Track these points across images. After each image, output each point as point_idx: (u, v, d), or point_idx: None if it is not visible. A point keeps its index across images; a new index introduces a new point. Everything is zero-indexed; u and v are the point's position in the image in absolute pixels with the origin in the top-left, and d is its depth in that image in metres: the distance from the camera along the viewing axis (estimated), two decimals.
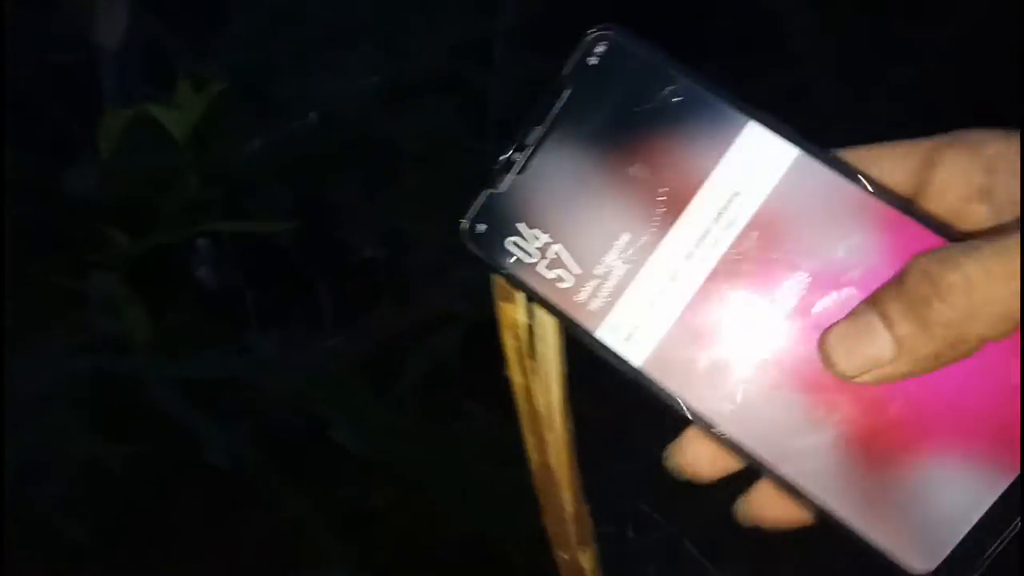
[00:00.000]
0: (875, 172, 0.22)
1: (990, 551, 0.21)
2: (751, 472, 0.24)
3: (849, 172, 0.22)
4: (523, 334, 0.28)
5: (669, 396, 0.24)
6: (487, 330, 0.30)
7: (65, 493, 0.79)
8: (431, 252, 1.32)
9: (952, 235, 0.21)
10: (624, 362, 0.25)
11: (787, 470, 0.23)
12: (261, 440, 0.84)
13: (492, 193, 0.26)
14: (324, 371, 1.05)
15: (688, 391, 0.24)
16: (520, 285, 0.26)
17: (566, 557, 0.31)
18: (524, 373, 0.29)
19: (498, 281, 0.28)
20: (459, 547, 0.79)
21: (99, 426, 0.67)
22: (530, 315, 0.29)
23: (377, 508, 0.79)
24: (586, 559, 0.32)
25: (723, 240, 0.24)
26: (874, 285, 0.21)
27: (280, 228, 0.80)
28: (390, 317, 1.12)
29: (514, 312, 0.28)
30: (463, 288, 1.22)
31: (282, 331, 1.22)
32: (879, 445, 0.22)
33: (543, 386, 0.29)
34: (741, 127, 0.23)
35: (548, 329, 0.29)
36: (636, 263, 0.24)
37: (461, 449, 0.82)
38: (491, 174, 0.26)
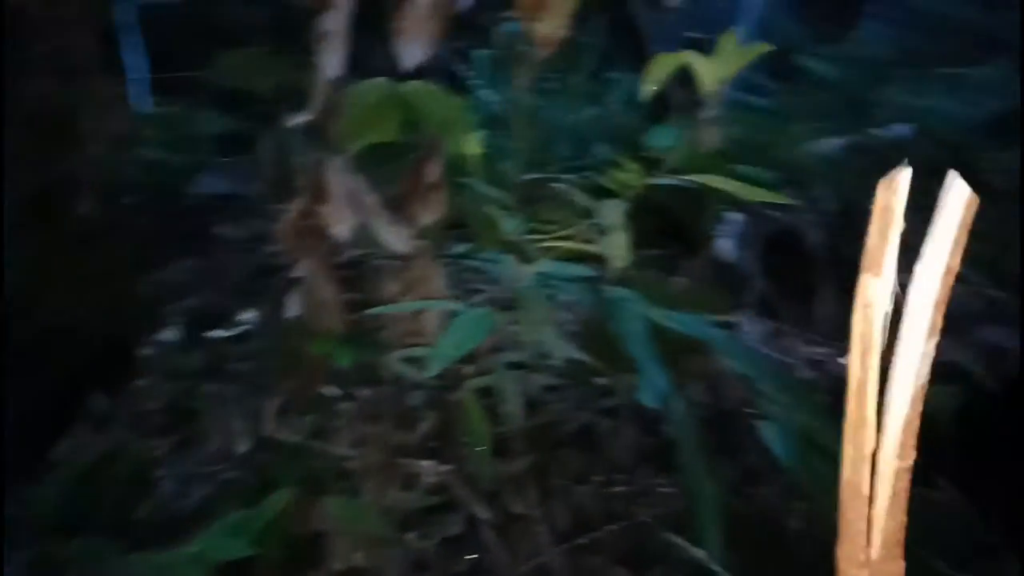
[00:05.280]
0: None
1: None
2: None
3: None
4: (876, 318, 0.23)
5: None
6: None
7: None
8: (957, 301, 1.10)
9: None
10: None
11: None
12: (694, 408, 0.85)
13: None
14: (782, 370, 1.00)
15: None
16: None
17: None
18: (865, 367, 0.23)
19: (870, 245, 0.23)
20: None
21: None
22: (901, 300, 0.23)
23: (785, 524, 0.72)
24: None
25: None
26: None
27: (782, 200, 0.77)
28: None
29: (874, 288, 0.23)
30: (984, 350, 1.01)
31: (769, 325, 1.19)
32: None
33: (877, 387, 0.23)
34: None
35: (918, 331, 0.23)
36: None
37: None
38: None
